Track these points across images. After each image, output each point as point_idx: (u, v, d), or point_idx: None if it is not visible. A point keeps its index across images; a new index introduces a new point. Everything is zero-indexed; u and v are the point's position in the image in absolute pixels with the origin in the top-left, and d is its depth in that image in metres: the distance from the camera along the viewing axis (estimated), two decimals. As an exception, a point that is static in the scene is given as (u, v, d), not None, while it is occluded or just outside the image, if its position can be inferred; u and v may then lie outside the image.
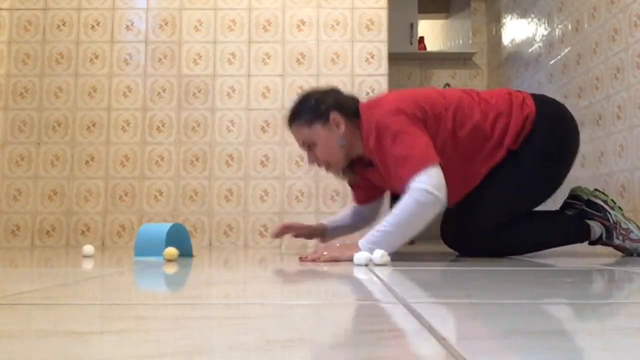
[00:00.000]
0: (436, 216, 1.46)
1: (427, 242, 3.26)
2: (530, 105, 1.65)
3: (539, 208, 1.74)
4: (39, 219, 2.80)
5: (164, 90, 2.87)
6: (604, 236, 1.68)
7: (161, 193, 2.80)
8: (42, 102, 2.85)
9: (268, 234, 2.76)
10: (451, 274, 1.08)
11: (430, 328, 0.51)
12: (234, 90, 2.83)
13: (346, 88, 2.63)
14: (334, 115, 1.61)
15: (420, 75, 4.35)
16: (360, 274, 1.11)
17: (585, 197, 1.75)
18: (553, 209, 1.82)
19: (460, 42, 4.34)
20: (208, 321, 0.57)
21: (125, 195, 2.80)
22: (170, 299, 0.74)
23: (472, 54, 4.26)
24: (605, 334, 0.50)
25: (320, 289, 0.86)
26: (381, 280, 0.97)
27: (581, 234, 1.69)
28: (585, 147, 2.45)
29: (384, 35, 2.78)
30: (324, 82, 2.74)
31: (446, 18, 4.52)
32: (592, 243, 1.71)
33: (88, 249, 1.76)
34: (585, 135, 2.46)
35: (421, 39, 4.32)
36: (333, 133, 1.62)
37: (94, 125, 2.84)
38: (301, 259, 1.48)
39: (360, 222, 1.93)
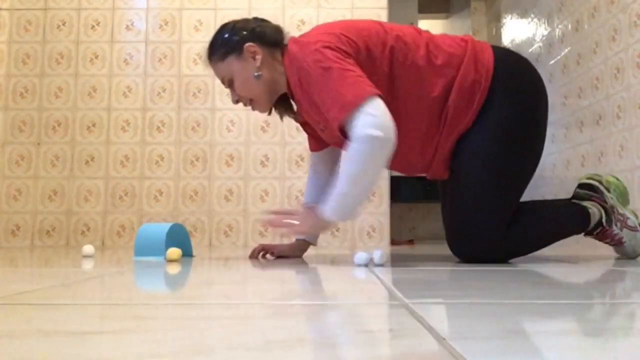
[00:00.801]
0: (389, 155, 1.28)
1: (427, 243, 3.26)
2: (488, 59, 1.42)
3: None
4: (39, 219, 2.80)
5: (164, 90, 2.87)
6: (604, 220, 1.51)
7: (161, 193, 2.80)
8: (42, 102, 2.85)
9: (268, 234, 2.75)
10: (451, 274, 1.08)
11: (430, 328, 0.51)
12: (234, 90, 2.83)
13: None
14: (248, 46, 1.45)
15: (420, 75, 4.35)
16: (360, 274, 1.11)
17: (581, 182, 1.60)
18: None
19: (460, 42, 4.34)
20: (208, 321, 0.57)
21: (125, 195, 2.80)
22: (170, 299, 0.74)
23: (472, 54, 4.26)
24: (605, 334, 0.50)
25: (320, 289, 0.86)
26: (381, 280, 0.97)
27: (582, 221, 1.51)
28: (585, 147, 2.45)
29: (384, 35, 2.78)
30: (324, 82, 2.74)
31: (446, 18, 4.53)
32: (588, 233, 1.55)
33: (88, 249, 1.76)
34: (585, 135, 2.46)
35: (421, 39, 4.32)
36: (249, 65, 1.46)
37: (94, 125, 2.84)
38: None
39: (328, 175, 1.73)
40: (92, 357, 0.41)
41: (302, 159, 2.76)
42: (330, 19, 2.81)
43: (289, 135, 2.81)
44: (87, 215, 2.79)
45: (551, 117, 2.83)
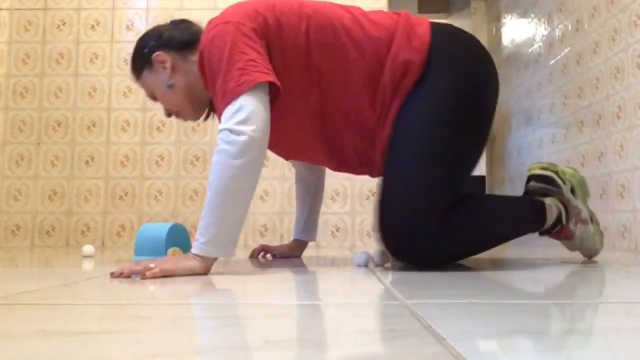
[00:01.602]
0: (262, 157, 1.11)
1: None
2: (423, 32, 1.24)
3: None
4: (39, 219, 2.79)
5: (164, 90, 2.87)
6: (563, 218, 1.34)
7: (161, 193, 2.80)
8: (42, 102, 2.85)
9: (268, 234, 2.75)
10: (451, 274, 1.08)
11: (430, 328, 0.51)
12: (234, 90, 2.83)
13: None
14: (156, 56, 1.32)
15: (420, 75, 4.35)
16: (360, 274, 1.11)
17: (533, 173, 1.40)
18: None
19: (460, 42, 4.34)
20: (208, 321, 0.57)
21: (125, 195, 2.80)
22: (170, 299, 0.74)
23: (472, 54, 4.26)
24: (605, 334, 0.50)
25: (320, 289, 0.86)
26: (381, 280, 0.97)
27: (538, 219, 1.32)
28: (585, 147, 2.45)
29: (384, 35, 2.78)
30: (324, 82, 2.74)
31: (446, 18, 4.53)
32: (543, 232, 1.36)
33: (88, 249, 1.76)
34: (585, 135, 2.46)
35: (421, 39, 4.33)
36: (160, 75, 1.33)
37: (94, 125, 2.84)
38: (113, 274, 1.04)
39: (311, 186, 1.65)
40: (92, 357, 0.41)
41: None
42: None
43: (289, 135, 2.80)
44: (87, 215, 2.79)
45: (551, 117, 2.84)
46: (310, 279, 1.03)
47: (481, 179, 3.84)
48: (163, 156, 2.81)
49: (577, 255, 1.50)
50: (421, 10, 4.26)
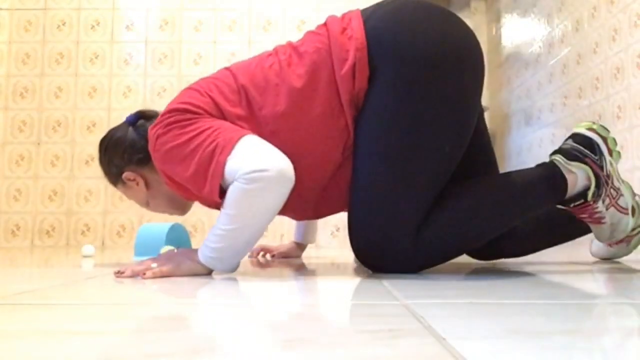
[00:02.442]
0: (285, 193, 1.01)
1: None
2: (355, 29, 1.05)
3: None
4: (39, 219, 2.79)
5: (164, 90, 2.87)
6: (590, 192, 1.12)
7: (161, 193, 2.80)
8: (42, 102, 2.85)
9: (268, 234, 2.75)
10: (451, 274, 1.08)
11: (430, 328, 0.51)
12: (234, 90, 2.84)
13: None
14: (126, 176, 1.30)
15: (420, 75, 4.35)
16: (361, 274, 1.11)
17: (576, 131, 1.17)
18: None
19: (460, 42, 4.34)
20: (208, 321, 0.57)
21: (125, 195, 2.80)
22: (170, 299, 0.74)
23: (472, 54, 4.26)
24: (605, 334, 0.50)
25: (320, 289, 0.87)
26: (381, 280, 0.97)
27: (553, 194, 1.11)
28: (585, 147, 2.45)
29: (384, 35, 2.79)
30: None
31: (446, 18, 4.53)
32: (563, 202, 1.14)
33: (88, 249, 1.76)
34: (585, 135, 2.46)
35: (421, 39, 4.32)
36: (136, 191, 1.33)
37: (94, 125, 2.84)
38: (118, 273, 1.04)
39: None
40: (92, 357, 0.41)
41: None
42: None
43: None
44: (87, 215, 2.79)
45: (551, 117, 2.84)
46: (310, 279, 1.03)
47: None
48: (163, 156, 2.81)
49: (585, 256, 1.49)
50: (421, 10, 4.27)
